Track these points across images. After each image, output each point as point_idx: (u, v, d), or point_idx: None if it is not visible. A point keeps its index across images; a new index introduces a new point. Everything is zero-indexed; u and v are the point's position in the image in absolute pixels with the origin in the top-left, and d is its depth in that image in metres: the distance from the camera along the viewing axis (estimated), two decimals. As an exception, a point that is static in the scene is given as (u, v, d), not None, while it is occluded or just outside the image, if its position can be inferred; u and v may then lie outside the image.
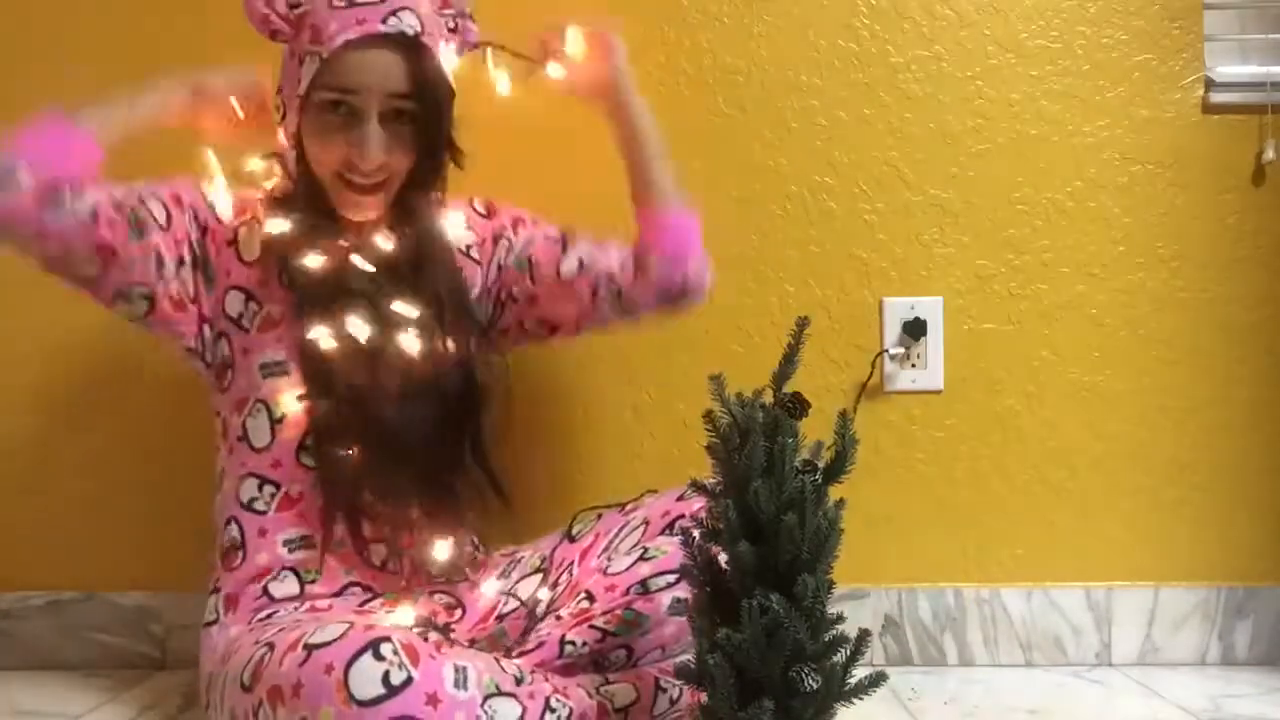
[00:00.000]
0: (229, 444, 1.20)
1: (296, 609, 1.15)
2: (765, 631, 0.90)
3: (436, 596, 1.19)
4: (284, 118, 1.18)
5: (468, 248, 1.30)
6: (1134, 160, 1.54)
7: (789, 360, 0.98)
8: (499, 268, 1.31)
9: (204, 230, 1.18)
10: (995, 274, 1.54)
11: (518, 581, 1.23)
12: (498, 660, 1.01)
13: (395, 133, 1.14)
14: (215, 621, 1.17)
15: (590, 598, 1.15)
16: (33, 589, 1.51)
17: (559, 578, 1.21)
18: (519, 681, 0.98)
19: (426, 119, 1.15)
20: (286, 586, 1.16)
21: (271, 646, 0.98)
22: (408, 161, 1.17)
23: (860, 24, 1.54)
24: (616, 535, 1.23)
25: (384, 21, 1.10)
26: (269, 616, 1.14)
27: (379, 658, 0.89)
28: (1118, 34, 1.54)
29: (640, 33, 1.52)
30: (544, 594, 1.18)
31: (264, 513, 1.17)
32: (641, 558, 1.17)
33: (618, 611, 1.12)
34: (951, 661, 1.53)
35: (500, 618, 1.19)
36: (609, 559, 1.19)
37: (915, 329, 1.53)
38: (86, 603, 1.51)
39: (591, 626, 1.12)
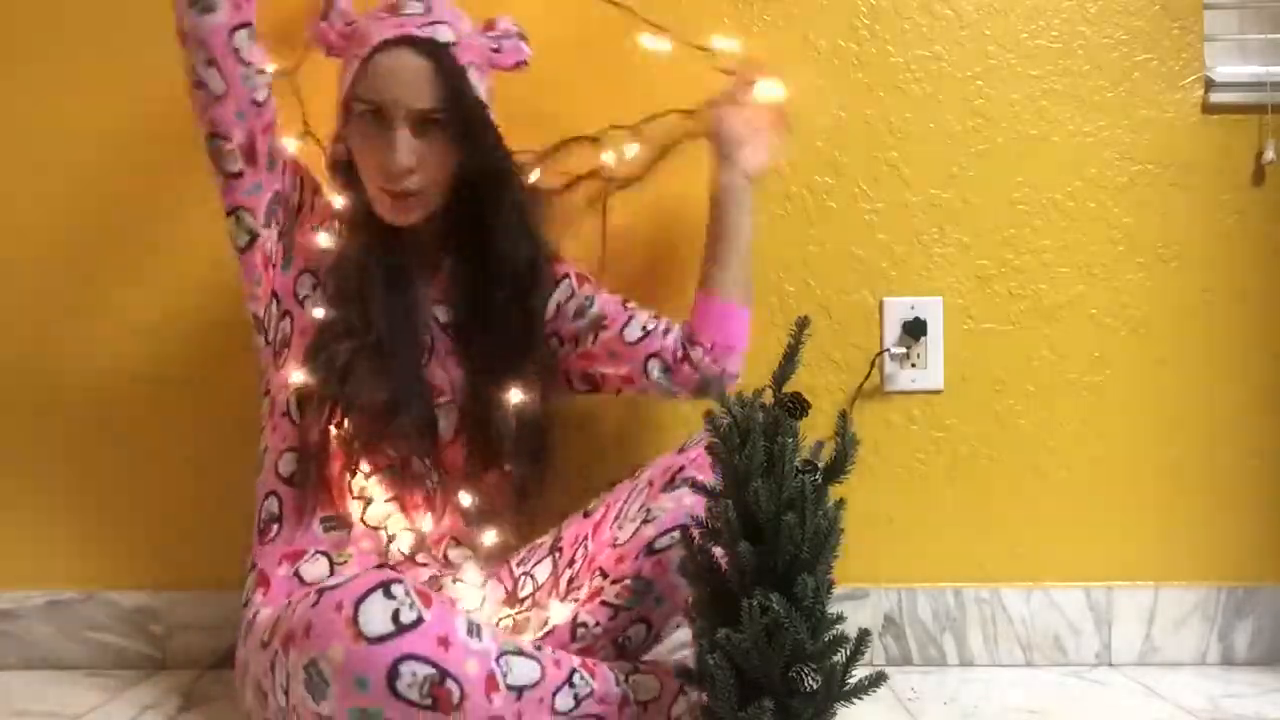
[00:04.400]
0: (274, 420, 1.22)
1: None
2: (765, 631, 0.90)
3: (457, 585, 1.20)
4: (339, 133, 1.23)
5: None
6: (1134, 160, 1.54)
7: (789, 360, 0.98)
8: (556, 306, 1.32)
9: (299, 207, 1.23)
10: (995, 274, 1.54)
11: (535, 565, 1.25)
12: (514, 640, 1.02)
13: (429, 141, 1.17)
14: (248, 603, 1.17)
15: (604, 574, 1.16)
16: (33, 589, 1.51)
17: (575, 554, 1.22)
18: (539, 649, 1.01)
19: (457, 128, 1.17)
20: (317, 569, 1.16)
21: (289, 603, 1.00)
22: (444, 170, 1.19)
23: (860, 24, 1.54)
24: (625, 502, 1.23)
25: (419, 28, 1.15)
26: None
27: (389, 596, 0.90)
28: (1118, 34, 1.54)
29: (639, 33, 1.52)
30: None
31: (303, 488, 1.18)
32: (645, 520, 1.17)
33: (627, 582, 1.13)
34: (951, 661, 1.52)
35: (519, 601, 1.21)
36: (619, 527, 1.20)
37: (915, 329, 1.53)
38: (86, 603, 1.51)
39: (603, 603, 1.12)
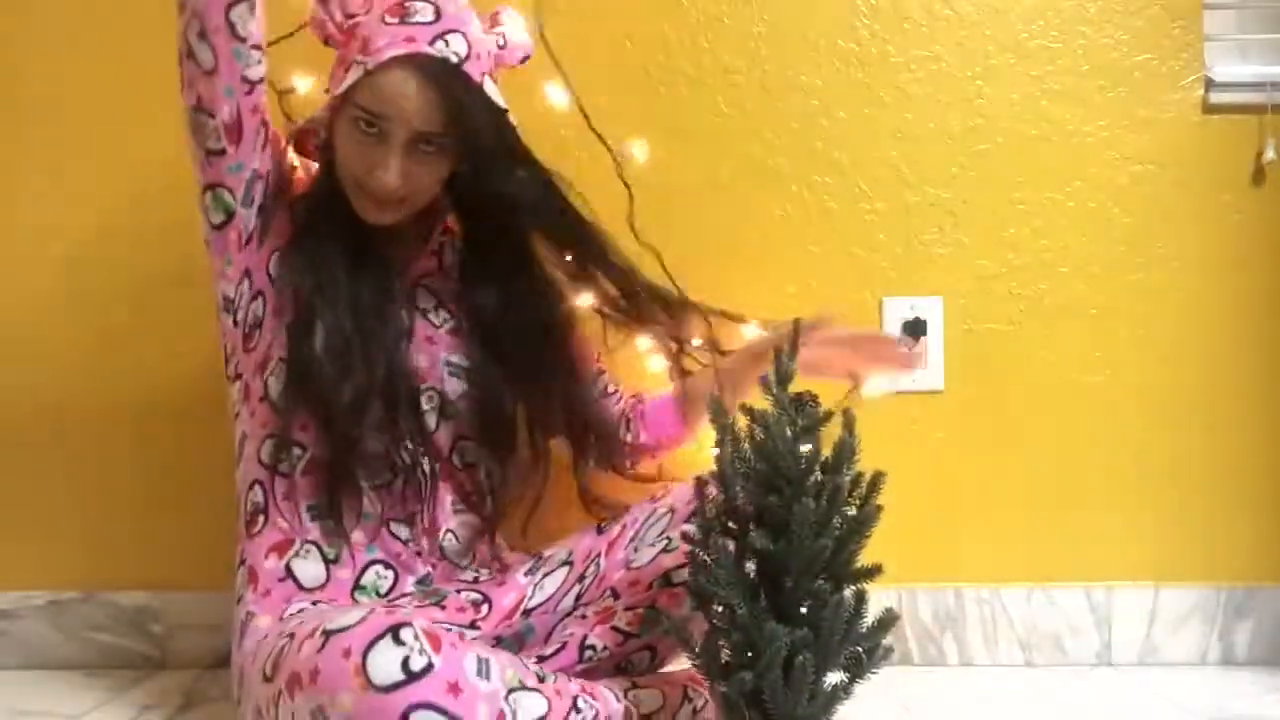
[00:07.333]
0: (250, 406, 1.18)
1: (322, 603, 1.14)
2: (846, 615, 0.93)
3: (463, 594, 1.18)
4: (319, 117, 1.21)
5: None
6: (1134, 160, 1.54)
7: (790, 358, 0.99)
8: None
9: (279, 186, 1.19)
10: (995, 274, 1.54)
11: (544, 576, 1.21)
12: (522, 660, 1.00)
13: (421, 159, 1.14)
14: (240, 600, 1.16)
15: (615, 594, 1.14)
16: (33, 589, 1.51)
17: (585, 570, 1.19)
18: (542, 679, 0.98)
19: (456, 149, 1.15)
20: (311, 567, 1.14)
21: (292, 636, 0.97)
22: (432, 182, 1.17)
23: (860, 24, 1.54)
24: (644, 524, 1.21)
25: (431, 44, 1.09)
26: (299, 612, 1.12)
27: (399, 642, 0.86)
28: (1118, 34, 1.54)
29: (640, 33, 1.52)
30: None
31: (289, 475, 1.15)
32: (665, 549, 1.15)
33: (640, 610, 1.11)
34: (951, 661, 1.52)
35: (526, 612, 1.17)
36: (634, 549, 1.18)
37: (915, 329, 1.53)
38: (86, 603, 1.51)
39: (613, 628, 1.11)
